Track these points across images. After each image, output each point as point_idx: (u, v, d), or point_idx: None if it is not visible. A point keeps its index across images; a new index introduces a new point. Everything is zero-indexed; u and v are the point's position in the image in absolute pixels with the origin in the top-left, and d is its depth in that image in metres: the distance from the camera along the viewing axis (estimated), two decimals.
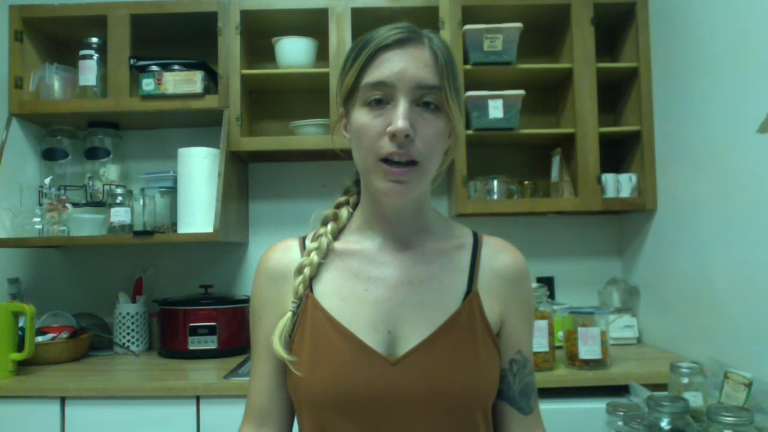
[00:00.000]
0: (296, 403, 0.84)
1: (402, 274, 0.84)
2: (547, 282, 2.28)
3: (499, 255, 0.88)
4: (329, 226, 0.89)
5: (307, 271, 0.84)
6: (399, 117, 0.76)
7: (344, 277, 0.84)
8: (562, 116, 2.22)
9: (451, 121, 0.81)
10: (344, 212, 0.91)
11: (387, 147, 0.77)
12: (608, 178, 2.05)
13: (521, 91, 2.02)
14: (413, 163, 0.78)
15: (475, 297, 0.83)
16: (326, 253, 0.86)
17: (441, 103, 0.79)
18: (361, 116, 0.80)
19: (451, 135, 0.84)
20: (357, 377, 0.77)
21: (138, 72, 2.06)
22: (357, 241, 0.88)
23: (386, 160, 0.77)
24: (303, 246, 0.89)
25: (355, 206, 0.92)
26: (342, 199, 0.93)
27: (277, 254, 0.89)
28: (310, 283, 0.84)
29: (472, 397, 0.79)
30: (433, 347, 0.79)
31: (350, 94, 0.83)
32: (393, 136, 0.76)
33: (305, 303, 0.83)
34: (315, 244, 0.87)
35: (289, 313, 0.83)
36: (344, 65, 0.84)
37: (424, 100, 0.78)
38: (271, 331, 0.84)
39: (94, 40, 2.12)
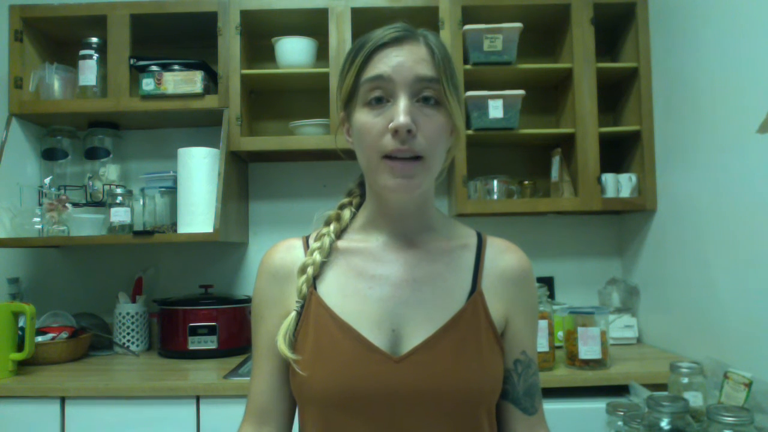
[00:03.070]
0: (300, 401, 0.84)
1: (406, 272, 0.84)
2: (547, 282, 2.28)
3: (504, 255, 0.88)
4: (332, 226, 0.89)
5: (310, 270, 0.84)
6: (400, 113, 0.76)
7: (348, 275, 0.85)
8: (562, 116, 2.22)
9: (451, 116, 0.81)
10: (347, 213, 0.91)
11: (390, 144, 0.77)
12: (608, 178, 2.05)
13: (521, 91, 2.02)
14: (417, 158, 0.78)
15: (479, 296, 0.84)
16: (329, 252, 0.86)
17: (440, 97, 0.79)
18: (362, 116, 0.80)
19: (452, 132, 0.84)
20: (361, 375, 0.77)
21: (138, 72, 2.06)
22: (361, 240, 0.88)
23: (390, 157, 0.78)
24: (306, 245, 0.89)
25: (357, 208, 0.92)
26: (345, 200, 0.93)
27: (280, 253, 0.89)
28: (313, 282, 0.84)
29: (475, 396, 0.79)
30: (437, 345, 0.79)
31: (350, 97, 0.83)
32: (395, 132, 0.76)
33: (309, 301, 0.83)
34: (318, 244, 0.87)
35: (294, 312, 0.83)
36: (342, 67, 0.85)
37: (424, 95, 0.79)
38: (274, 330, 0.84)
39: (94, 40, 2.12)
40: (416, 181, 0.79)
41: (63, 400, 1.66)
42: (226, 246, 2.31)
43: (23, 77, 2.07)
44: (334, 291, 0.84)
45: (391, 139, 0.77)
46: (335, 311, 0.81)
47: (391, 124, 0.77)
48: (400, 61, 0.78)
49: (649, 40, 2.05)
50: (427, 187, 0.84)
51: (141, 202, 2.13)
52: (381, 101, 0.79)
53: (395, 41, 0.80)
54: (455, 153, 0.90)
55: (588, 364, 1.71)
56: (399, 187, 0.78)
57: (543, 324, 1.69)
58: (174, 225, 2.06)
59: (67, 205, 2.04)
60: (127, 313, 2.11)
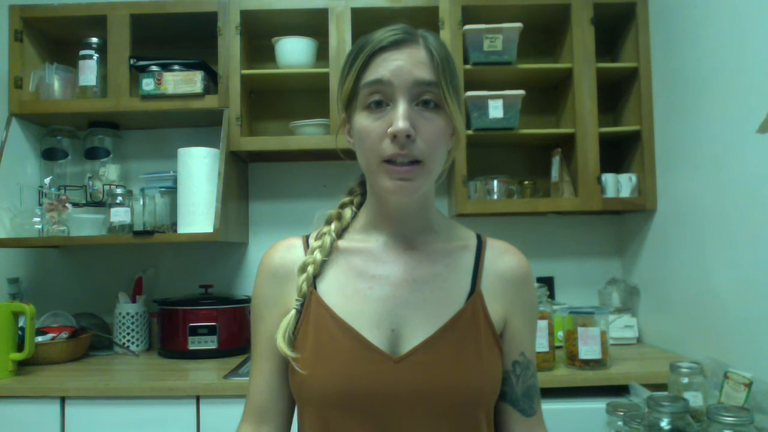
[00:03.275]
0: (299, 400, 0.84)
1: (406, 272, 0.84)
2: (547, 282, 2.28)
3: (504, 257, 0.88)
4: (333, 225, 0.89)
5: (310, 269, 0.84)
6: (399, 118, 0.76)
7: (348, 275, 0.85)
8: (562, 116, 2.22)
9: (451, 119, 0.81)
10: (348, 212, 0.91)
11: (389, 149, 0.77)
12: (608, 178, 2.05)
13: (521, 91, 2.02)
14: (417, 162, 0.78)
15: (478, 297, 0.84)
16: (330, 252, 0.87)
17: (440, 100, 0.79)
18: (362, 120, 0.80)
19: (453, 134, 0.84)
20: (360, 374, 0.77)
21: (138, 72, 2.06)
22: (361, 240, 0.88)
23: (390, 161, 0.78)
24: (306, 244, 0.89)
25: (358, 207, 0.92)
26: (346, 199, 0.93)
27: (281, 252, 0.89)
28: (313, 281, 0.84)
29: (474, 396, 0.79)
30: (437, 345, 0.79)
31: (350, 99, 0.83)
32: (394, 137, 0.76)
33: (309, 301, 0.83)
34: (318, 243, 0.87)
35: (293, 311, 0.83)
36: (342, 70, 0.84)
37: (423, 98, 0.79)
38: (273, 329, 0.84)
39: (94, 40, 2.12)
40: (415, 184, 0.79)
41: (63, 400, 1.66)
42: (226, 246, 2.31)
43: (23, 77, 2.07)
44: (334, 290, 0.84)
45: (390, 143, 0.77)
46: (335, 311, 0.81)
47: (390, 129, 0.77)
48: (399, 64, 0.78)
49: (649, 40, 2.05)
50: (427, 189, 0.84)
51: (141, 202, 2.13)
52: (380, 105, 0.79)
53: (394, 44, 0.79)
54: (455, 155, 0.90)
55: (588, 364, 1.71)
56: (398, 190, 0.79)
57: (543, 324, 1.69)
58: (174, 225, 2.06)
59: (67, 205, 2.04)
60: (127, 313, 2.11)
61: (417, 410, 0.77)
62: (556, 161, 2.15)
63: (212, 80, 2.12)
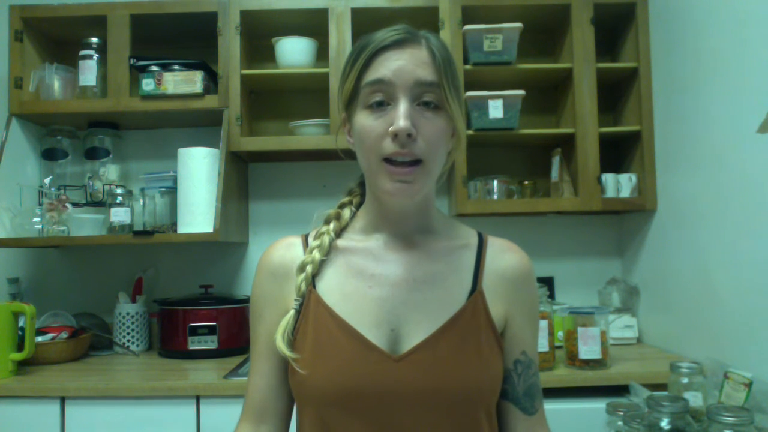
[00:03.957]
0: (298, 400, 0.84)
1: (406, 271, 0.84)
2: (547, 282, 2.28)
3: (505, 255, 0.88)
4: (332, 225, 0.89)
5: (309, 268, 0.84)
6: (400, 116, 0.76)
7: (347, 274, 0.85)
8: (562, 116, 2.22)
9: (452, 119, 0.81)
10: (347, 212, 0.91)
11: (390, 147, 0.77)
12: (608, 178, 2.05)
13: (521, 91, 2.02)
14: (417, 162, 0.78)
15: (479, 296, 0.84)
16: (329, 251, 0.86)
17: (441, 101, 0.79)
18: (363, 119, 0.80)
19: (453, 134, 0.84)
20: (360, 374, 0.77)
21: (138, 72, 2.06)
22: (361, 239, 0.88)
23: (390, 161, 0.78)
24: (305, 243, 0.89)
25: (357, 207, 0.92)
26: (345, 199, 0.93)
27: (280, 251, 0.89)
28: (312, 280, 0.84)
29: (475, 395, 0.79)
30: (437, 344, 0.79)
31: (351, 98, 0.83)
32: (395, 136, 0.76)
33: (308, 300, 0.83)
34: (317, 242, 0.87)
35: (293, 311, 0.83)
36: (344, 69, 0.85)
37: (424, 99, 0.79)
38: (272, 328, 0.84)
39: (94, 40, 2.12)
40: (416, 186, 0.79)
41: (63, 400, 1.66)
42: (226, 246, 2.31)
43: (23, 77, 2.07)
44: (333, 290, 0.84)
45: (391, 142, 0.77)
46: (334, 310, 0.81)
47: (391, 128, 0.77)
48: (401, 64, 0.78)
49: (649, 40, 2.05)
50: (428, 190, 0.84)
51: (141, 202, 2.13)
52: (382, 104, 0.79)
53: (396, 44, 0.80)
54: (456, 156, 0.90)
55: (588, 364, 1.71)
56: (398, 192, 0.79)
57: (543, 324, 1.69)
58: (174, 225, 2.06)
59: (67, 205, 2.04)
60: (127, 313, 2.11)
61: (417, 409, 0.77)
62: (556, 161, 2.15)
63: (212, 80, 2.12)
